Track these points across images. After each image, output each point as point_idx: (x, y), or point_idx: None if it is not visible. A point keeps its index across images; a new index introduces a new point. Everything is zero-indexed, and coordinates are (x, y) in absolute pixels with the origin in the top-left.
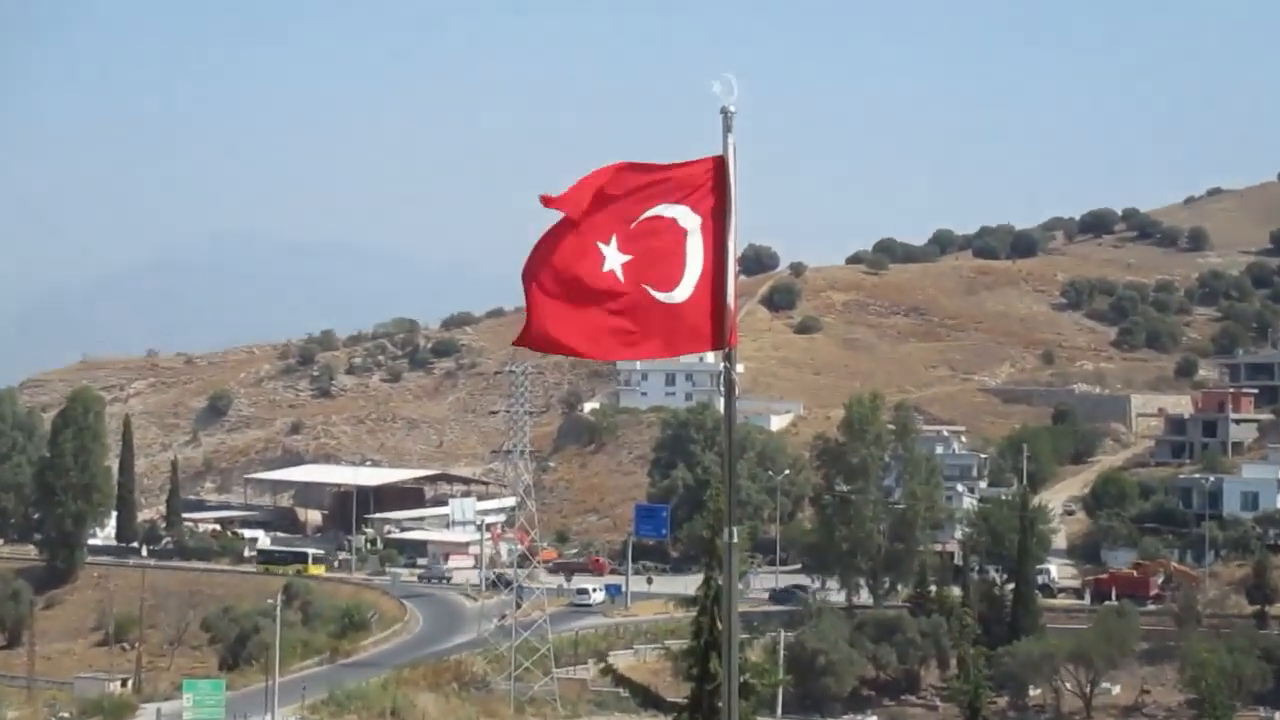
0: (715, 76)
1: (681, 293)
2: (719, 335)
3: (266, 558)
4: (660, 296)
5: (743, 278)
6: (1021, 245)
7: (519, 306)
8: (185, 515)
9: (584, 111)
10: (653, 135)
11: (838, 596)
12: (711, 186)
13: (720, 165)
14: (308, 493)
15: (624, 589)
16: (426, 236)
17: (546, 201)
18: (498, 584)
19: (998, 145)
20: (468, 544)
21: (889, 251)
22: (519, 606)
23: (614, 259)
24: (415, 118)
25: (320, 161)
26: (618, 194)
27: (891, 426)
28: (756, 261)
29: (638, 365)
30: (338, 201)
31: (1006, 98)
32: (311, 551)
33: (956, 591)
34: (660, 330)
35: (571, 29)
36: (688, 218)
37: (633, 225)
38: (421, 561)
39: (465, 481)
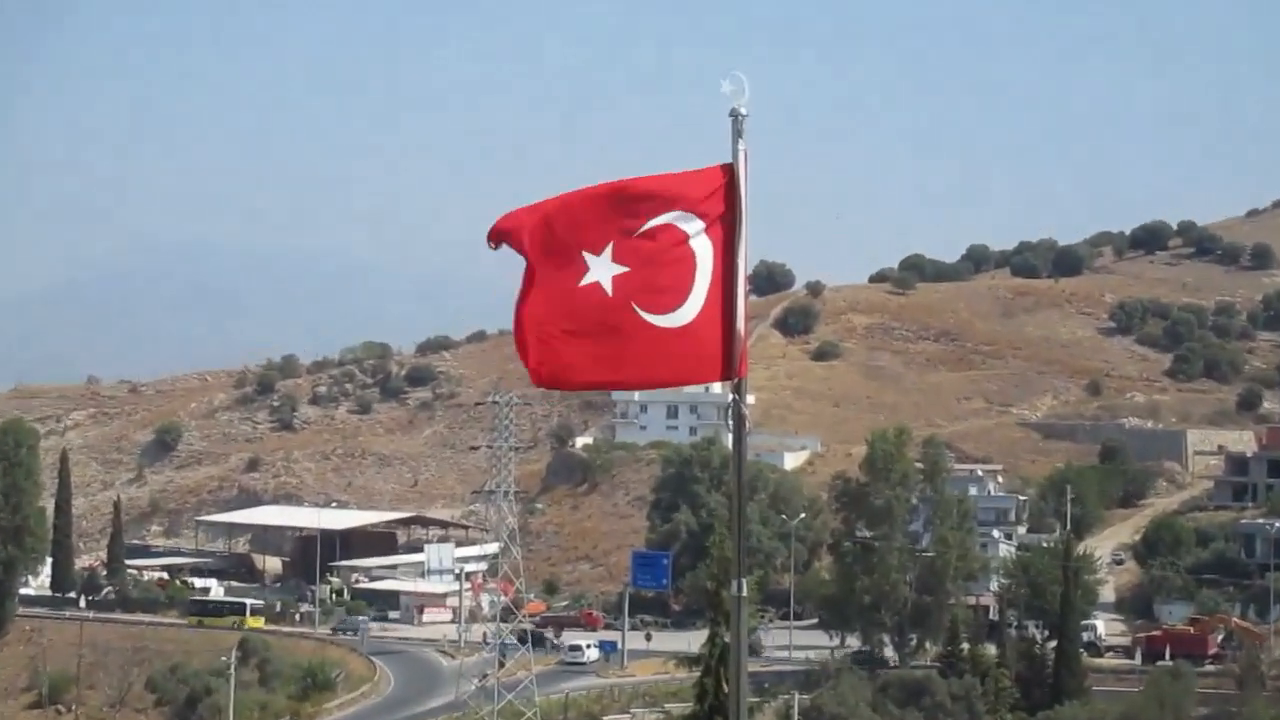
0: (725, 75)
1: (685, 315)
2: (727, 364)
3: (199, 609)
4: (655, 320)
5: (754, 298)
6: (1065, 263)
7: (504, 329)
8: (129, 562)
9: (581, 111)
10: (658, 142)
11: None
12: (720, 197)
13: (729, 174)
14: (266, 537)
15: (620, 646)
16: (401, 249)
17: (493, 236)
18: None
19: (1038, 151)
20: (445, 595)
21: (917, 269)
22: (502, 665)
23: (602, 270)
24: (392, 114)
25: (280, 165)
26: (614, 203)
27: (919, 465)
28: (769, 280)
29: (636, 396)
30: (303, 210)
31: (1047, 98)
32: (249, 602)
33: (992, 650)
34: (657, 358)
35: (566, 19)
36: (693, 231)
37: (634, 236)
38: (394, 615)
39: (443, 525)
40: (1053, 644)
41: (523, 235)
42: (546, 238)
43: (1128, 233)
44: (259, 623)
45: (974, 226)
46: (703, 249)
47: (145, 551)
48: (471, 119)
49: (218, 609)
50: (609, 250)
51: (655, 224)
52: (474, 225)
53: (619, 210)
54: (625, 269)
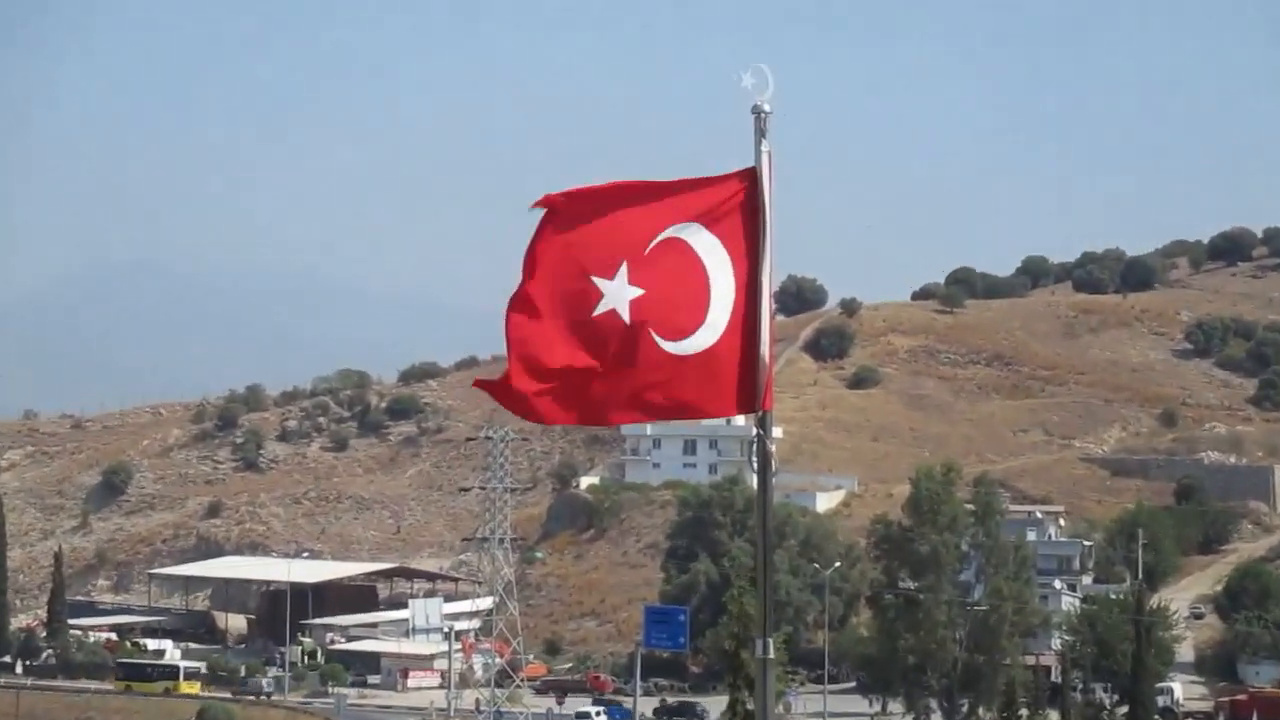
0: (746, 67)
1: (701, 340)
2: (750, 394)
3: (127, 673)
4: (669, 347)
5: (781, 318)
6: (1135, 276)
7: (497, 355)
8: (71, 622)
9: (579, 113)
10: (676, 148)
11: None
12: (741, 204)
13: (752, 179)
14: (229, 592)
15: (632, 713)
16: (380, 266)
17: (541, 203)
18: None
19: (1102, 149)
20: (432, 657)
21: (966, 284)
22: None
23: (618, 295)
24: (362, 117)
25: (243, 177)
26: (625, 213)
27: (970, 507)
28: (798, 298)
29: (648, 430)
30: (268, 227)
31: (1112, 89)
32: (184, 665)
33: (1054, 717)
34: (672, 389)
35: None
36: (710, 244)
37: (646, 250)
38: (375, 679)
39: (429, 577)
40: (1124, 709)
41: (539, 247)
42: (559, 257)
43: (1205, 241)
44: (195, 688)
45: (1031, 236)
46: (721, 266)
47: (91, 609)
48: (457, 121)
49: (146, 672)
50: (623, 272)
51: (666, 236)
52: (463, 240)
53: (628, 221)
54: (642, 291)
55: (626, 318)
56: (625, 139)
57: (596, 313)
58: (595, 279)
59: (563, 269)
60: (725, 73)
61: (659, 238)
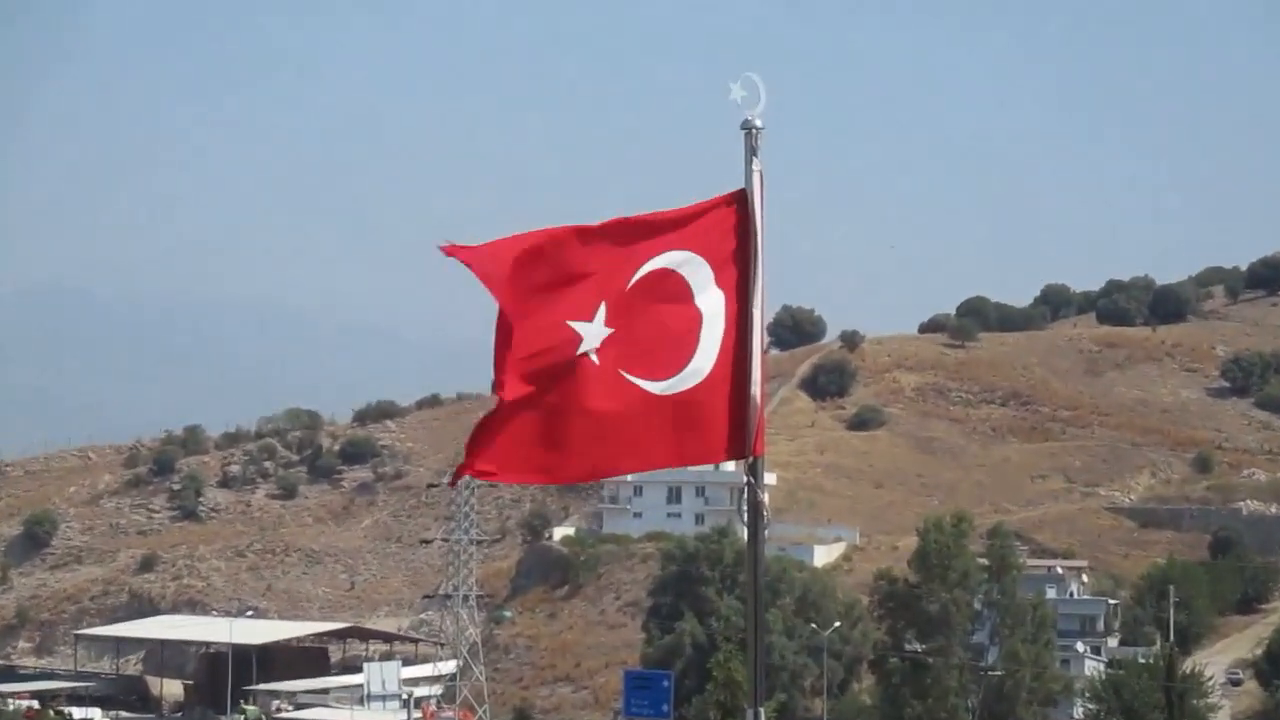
0: (735, 78)
1: (687, 379)
2: (739, 438)
3: None
4: (651, 387)
5: (775, 352)
6: (1165, 307)
7: (462, 392)
8: None
9: (549, 123)
10: (662, 173)
11: None
12: (731, 229)
13: (742, 201)
14: (164, 655)
15: None
16: (333, 296)
17: (449, 251)
18: None
19: (1129, 166)
20: None
21: (979, 316)
22: None
23: (593, 338)
24: (300, 125)
25: (178, 196)
26: (604, 250)
27: (984, 561)
28: (794, 330)
29: (629, 476)
30: (211, 251)
31: (1139, 101)
32: None
33: None
34: (654, 435)
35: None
36: (698, 273)
37: (629, 286)
38: None
39: (386, 638)
40: None
41: (502, 286)
42: (525, 297)
43: (1244, 268)
44: None
45: (1051, 262)
46: (709, 297)
47: (10, 674)
48: (418, 128)
49: None
50: (601, 312)
51: (650, 269)
52: (423, 262)
53: (608, 259)
54: (611, 331)
55: (597, 359)
56: (608, 166)
57: (576, 355)
58: (573, 324)
59: (541, 322)
60: (715, 86)
61: (642, 271)
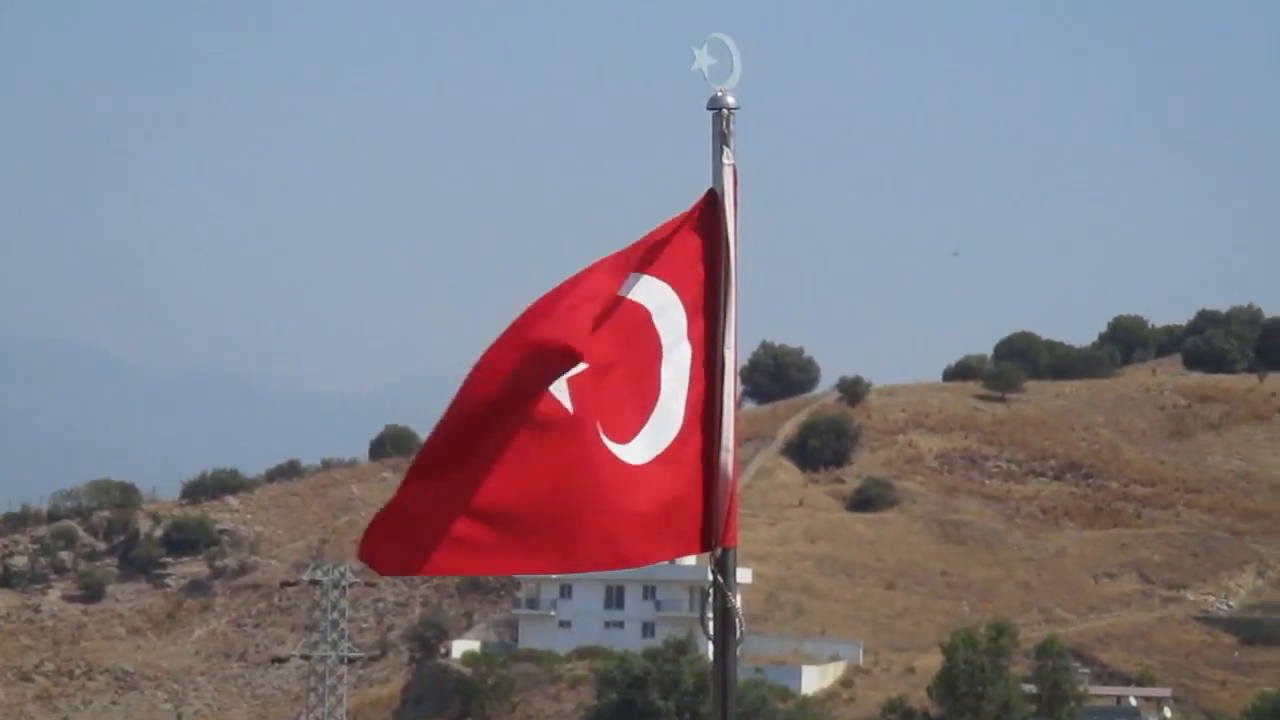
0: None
1: (648, 443)
2: (704, 526)
3: None
4: (621, 453)
5: (751, 406)
6: (1276, 347)
7: (330, 459)
8: None
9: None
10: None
11: None
12: (695, 242)
13: (711, 203)
14: None
15: None
16: (152, 335)
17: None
18: None
19: (1224, 169)
20: None
21: (1025, 359)
22: None
23: (561, 377)
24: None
25: None
26: (576, 291)
27: (1031, 689)
28: (777, 377)
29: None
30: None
31: (1236, 86)
32: None
33: None
34: (623, 518)
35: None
36: (663, 303)
37: (595, 329)
38: None
39: None
40: None
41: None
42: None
43: None
44: None
45: (1121, 289)
46: (677, 336)
47: None
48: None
49: None
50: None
51: (616, 298)
52: (275, 292)
53: (581, 298)
54: (585, 366)
55: (569, 404)
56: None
57: (539, 404)
58: (552, 389)
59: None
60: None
61: (611, 303)
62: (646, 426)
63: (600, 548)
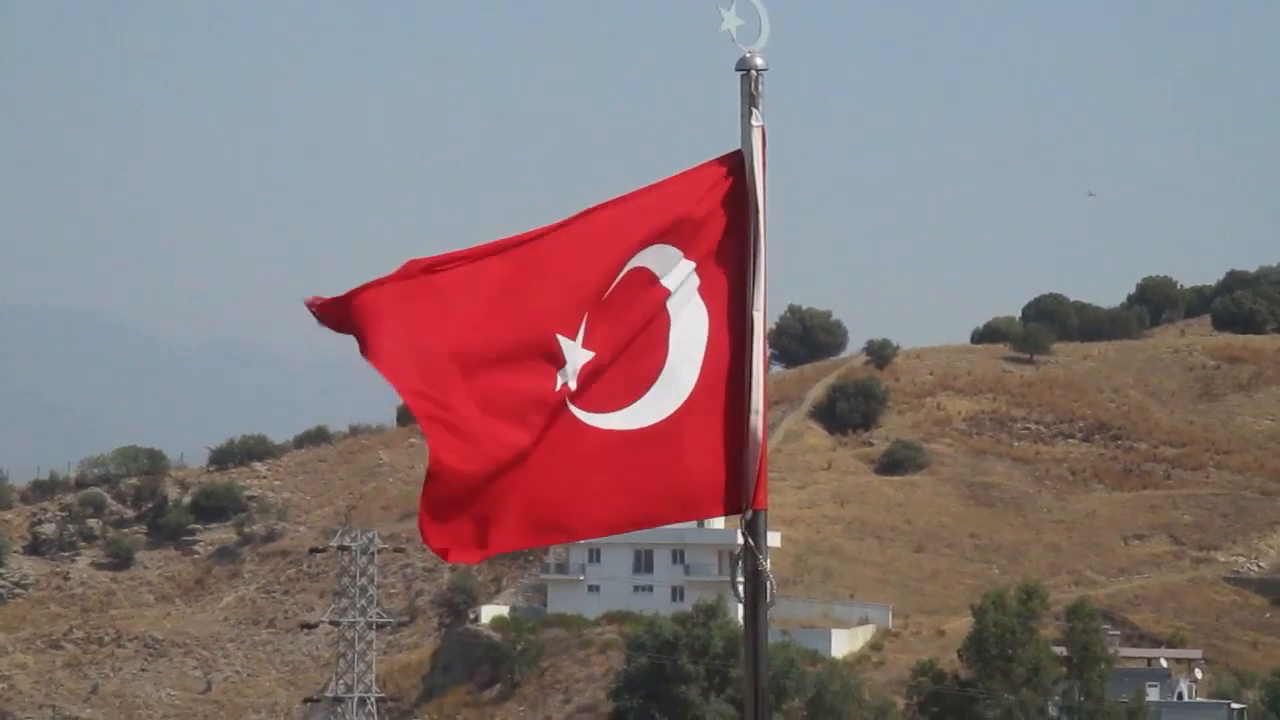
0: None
1: (654, 406)
2: (733, 486)
3: None
4: (599, 422)
5: (779, 370)
6: None
7: (356, 425)
8: None
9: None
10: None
11: None
12: (722, 203)
13: (738, 166)
14: None
15: None
16: (179, 303)
17: (317, 309)
18: None
19: (1251, 124)
20: None
21: (1053, 320)
22: None
23: (573, 362)
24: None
25: None
26: (586, 244)
27: (1061, 651)
28: (805, 340)
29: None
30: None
31: (1263, 46)
32: None
33: None
34: (619, 484)
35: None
36: (675, 270)
37: (607, 293)
38: None
39: None
40: None
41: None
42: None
43: None
44: None
45: (1150, 248)
46: (688, 297)
47: None
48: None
49: None
50: (583, 328)
51: (631, 268)
52: (297, 263)
53: (591, 253)
54: (593, 355)
55: (573, 397)
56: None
57: (557, 389)
58: (561, 338)
59: (515, 335)
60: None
61: (623, 271)
62: (649, 392)
63: (601, 513)
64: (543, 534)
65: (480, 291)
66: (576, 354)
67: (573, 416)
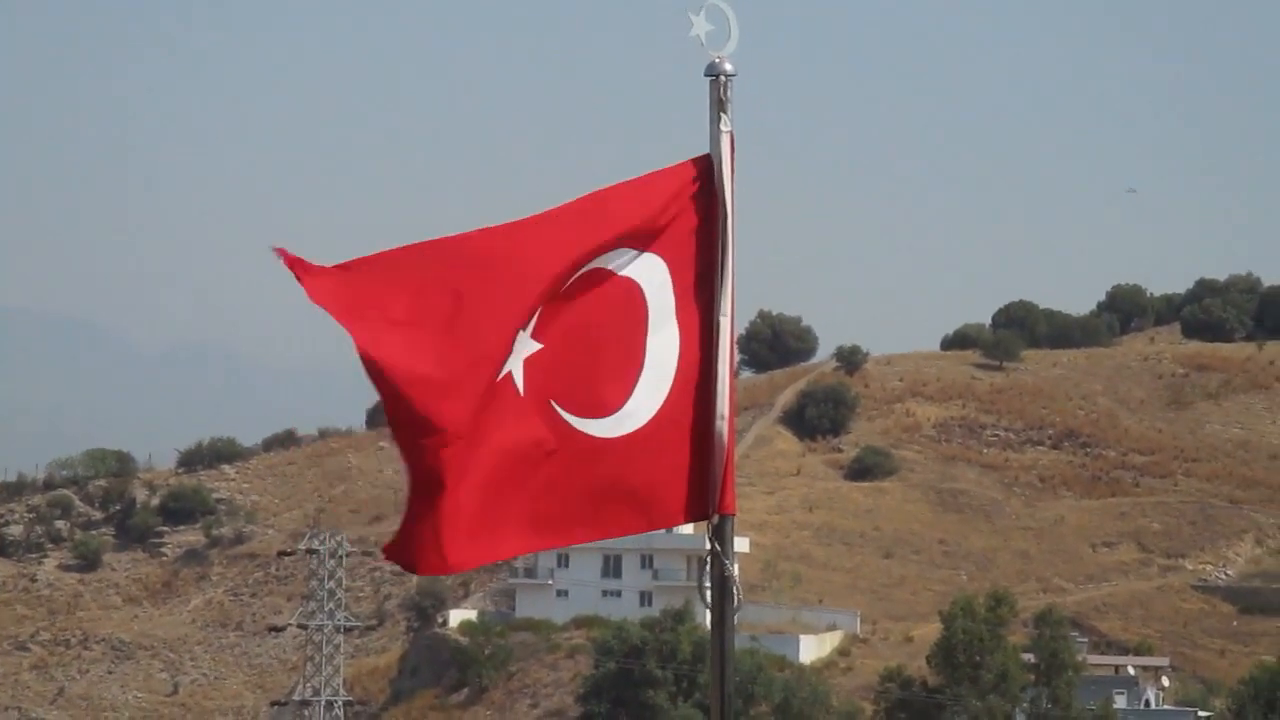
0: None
1: (631, 415)
2: (699, 493)
3: None
4: (582, 426)
5: (748, 375)
6: (1275, 316)
7: (325, 429)
8: None
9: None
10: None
11: None
12: (690, 206)
13: (706, 170)
14: None
15: None
16: (148, 307)
17: (290, 261)
18: None
19: (1225, 136)
20: None
21: (1023, 328)
22: None
23: (519, 352)
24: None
25: None
26: (542, 240)
27: (1029, 658)
28: (774, 346)
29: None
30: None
31: (1237, 56)
32: None
33: None
34: (587, 492)
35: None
36: (647, 270)
37: (565, 287)
38: None
39: None
40: None
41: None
42: (448, 315)
43: None
44: None
45: (1119, 256)
46: (661, 302)
47: None
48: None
49: None
50: (534, 321)
51: (590, 268)
52: (268, 267)
53: (547, 248)
54: (540, 346)
55: (521, 386)
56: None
57: (498, 378)
58: (520, 331)
59: (472, 331)
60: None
61: (582, 270)
62: (630, 399)
63: (573, 522)
64: (525, 542)
65: (435, 272)
66: (524, 344)
67: (565, 421)
